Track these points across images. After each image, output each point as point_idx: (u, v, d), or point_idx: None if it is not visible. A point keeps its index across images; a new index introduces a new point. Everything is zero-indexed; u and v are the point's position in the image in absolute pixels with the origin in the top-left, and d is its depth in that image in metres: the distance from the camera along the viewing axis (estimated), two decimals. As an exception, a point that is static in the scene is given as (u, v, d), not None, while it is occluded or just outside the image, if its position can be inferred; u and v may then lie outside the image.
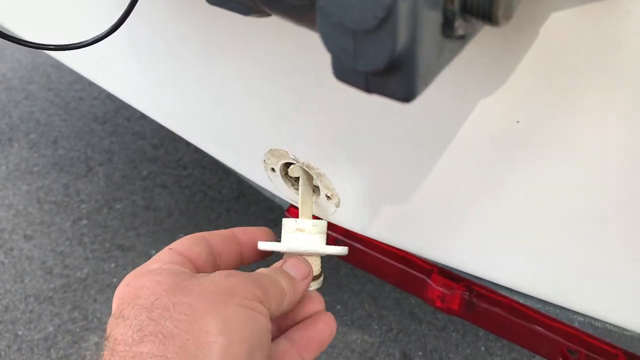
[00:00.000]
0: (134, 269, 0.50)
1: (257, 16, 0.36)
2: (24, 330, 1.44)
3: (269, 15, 0.35)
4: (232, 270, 0.49)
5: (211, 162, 1.94)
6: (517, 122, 0.43)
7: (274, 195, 1.25)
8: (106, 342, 0.45)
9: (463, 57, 0.41)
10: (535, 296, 0.54)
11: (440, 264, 0.99)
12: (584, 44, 0.37)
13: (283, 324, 0.57)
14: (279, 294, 0.50)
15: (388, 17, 0.25)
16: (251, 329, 0.44)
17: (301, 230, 0.60)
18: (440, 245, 0.56)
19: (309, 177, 0.63)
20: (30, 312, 1.48)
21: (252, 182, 1.27)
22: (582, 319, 0.91)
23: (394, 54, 0.26)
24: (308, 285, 0.58)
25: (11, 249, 1.63)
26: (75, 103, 2.17)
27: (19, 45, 2.40)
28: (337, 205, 0.62)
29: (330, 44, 0.27)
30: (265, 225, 0.63)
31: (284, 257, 0.60)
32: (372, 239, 1.04)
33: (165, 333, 0.41)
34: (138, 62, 0.66)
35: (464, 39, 0.30)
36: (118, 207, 1.77)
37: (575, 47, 0.37)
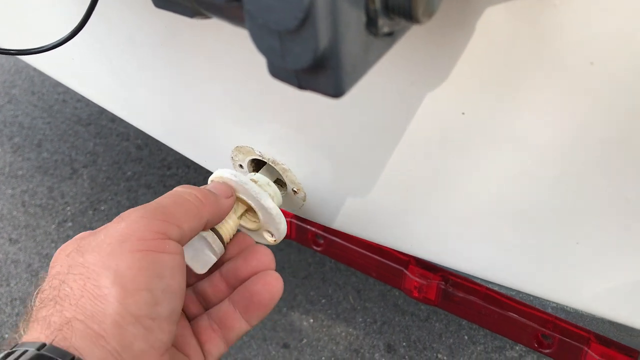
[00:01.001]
0: None
1: (201, 18, 0.37)
2: (10, 333, 1.45)
3: (210, 17, 0.36)
4: (129, 210, 0.46)
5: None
6: (463, 113, 0.45)
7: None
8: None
9: (408, 50, 0.43)
10: (494, 282, 0.55)
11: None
12: (517, 37, 0.38)
13: (231, 281, 0.54)
14: (191, 209, 0.47)
15: (307, 17, 0.26)
16: (148, 275, 0.42)
17: (254, 181, 0.60)
18: (400, 235, 0.58)
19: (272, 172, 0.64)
20: (17, 315, 1.49)
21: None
22: (554, 304, 0.93)
23: (317, 53, 0.27)
24: (232, 205, 0.54)
25: (-4, 253, 1.64)
26: (59, 106, 2.18)
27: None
28: (304, 200, 0.64)
29: (259, 44, 0.29)
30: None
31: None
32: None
33: (61, 295, 0.41)
34: (107, 64, 0.67)
35: (392, 35, 0.32)
36: (103, 208, 1.78)
37: (510, 41, 0.39)
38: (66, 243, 0.46)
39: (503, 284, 0.54)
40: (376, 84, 0.47)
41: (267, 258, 0.54)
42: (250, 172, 0.68)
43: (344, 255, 1.12)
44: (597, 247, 0.47)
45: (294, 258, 1.63)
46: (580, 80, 0.38)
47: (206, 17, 0.37)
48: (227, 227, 0.56)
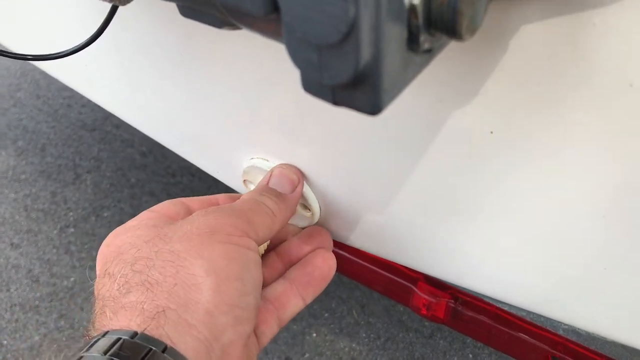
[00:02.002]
0: None
1: (230, 29, 0.36)
2: (9, 339, 1.43)
3: (240, 28, 0.35)
4: (210, 208, 0.47)
5: (200, 169, 1.93)
6: (491, 132, 0.43)
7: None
8: (95, 303, 0.44)
9: (437, 67, 0.42)
10: (514, 305, 0.54)
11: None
12: (553, 56, 0.37)
13: (285, 260, 0.56)
14: (266, 220, 0.49)
15: (351, 31, 0.25)
16: (240, 265, 0.43)
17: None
18: (419, 255, 0.57)
19: None
20: (16, 321, 1.47)
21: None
22: (566, 326, 0.92)
23: (358, 68, 0.26)
24: (299, 195, 0.56)
25: (-3, 258, 1.62)
26: (64, 110, 2.17)
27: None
28: (317, 215, 0.62)
29: (296, 58, 0.28)
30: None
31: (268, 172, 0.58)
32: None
33: (151, 281, 0.41)
34: (122, 72, 0.66)
35: (430, 52, 0.31)
36: (106, 214, 1.77)
37: (545, 60, 0.38)
38: (131, 227, 0.47)
39: (522, 307, 0.52)
40: (403, 100, 0.46)
41: (327, 237, 0.58)
42: None
43: (350, 270, 1.10)
44: (627, 274, 0.45)
45: (297, 270, 1.61)
46: (619, 102, 0.37)
47: (235, 28, 0.36)
48: None
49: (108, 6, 0.50)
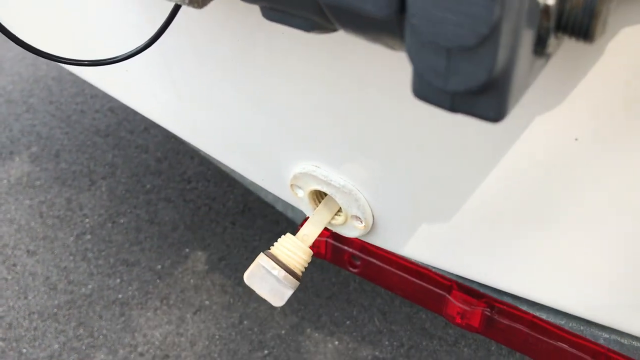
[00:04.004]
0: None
1: (320, 32, 0.34)
2: (28, 348, 1.41)
3: (334, 31, 0.33)
4: None
5: (216, 175, 1.92)
6: (576, 139, 0.42)
7: (286, 209, 1.23)
8: None
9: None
10: (586, 318, 0.52)
11: (461, 279, 0.98)
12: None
13: None
14: None
15: (492, 34, 0.23)
16: None
17: None
18: (483, 265, 0.55)
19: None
20: (35, 329, 1.45)
21: (262, 195, 1.25)
22: (607, 335, 0.90)
23: (492, 73, 0.25)
24: None
25: (14, 265, 1.60)
26: (77, 116, 2.15)
27: (19, 59, 2.37)
28: (370, 226, 0.61)
29: (418, 62, 0.26)
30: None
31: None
32: (389, 254, 1.03)
33: None
34: (167, 77, 0.65)
35: (548, 57, 0.29)
36: (122, 221, 1.75)
37: (647, 64, 0.36)
38: None
39: (595, 320, 0.51)
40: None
41: None
42: (310, 204, 0.66)
43: (381, 278, 1.08)
44: None
45: (317, 277, 1.59)
46: None
47: (325, 31, 0.35)
48: (299, 260, 0.61)
49: (139, 14, 0.49)
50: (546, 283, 0.52)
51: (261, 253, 0.63)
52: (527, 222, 0.48)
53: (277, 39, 0.49)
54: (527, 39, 0.25)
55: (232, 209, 1.81)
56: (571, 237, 0.47)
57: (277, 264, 0.60)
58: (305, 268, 0.62)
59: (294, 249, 0.62)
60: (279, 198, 1.21)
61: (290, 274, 0.60)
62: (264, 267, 0.61)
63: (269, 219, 1.77)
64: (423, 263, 0.91)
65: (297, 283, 0.60)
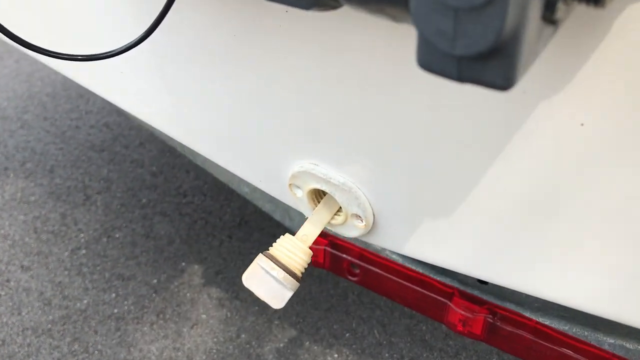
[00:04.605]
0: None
1: (320, 9, 0.34)
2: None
3: (335, 7, 0.33)
4: None
5: (212, 188, 1.91)
6: (582, 125, 0.41)
7: (284, 218, 1.22)
8: None
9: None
10: (598, 315, 0.51)
11: (462, 286, 0.97)
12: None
13: None
14: None
15: (501, -9, 0.22)
16: None
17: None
18: (488, 262, 0.54)
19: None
20: (29, 345, 1.42)
21: (260, 204, 1.24)
22: (612, 340, 0.89)
23: (500, 35, 0.24)
24: None
25: (8, 281, 1.58)
26: (72, 132, 2.14)
27: (13, 75, 2.37)
28: (370, 225, 0.60)
29: (425, 26, 0.25)
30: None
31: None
32: (389, 262, 1.02)
33: None
34: (161, 77, 0.64)
35: (556, 26, 0.28)
36: (117, 236, 1.73)
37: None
38: None
39: (607, 317, 0.49)
40: (476, 92, 0.43)
41: None
42: (309, 204, 0.65)
43: (381, 286, 1.07)
44: None
45: (315, 289, 1.57)
46: None
47: (325, 8, 0.34)
48: (298, 261, 0.60)
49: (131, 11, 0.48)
50: (553, 279, 0.51)
51: (260, 254, 0.62)
52: (533, 216, 0.47)
53: (273, 33, 0.48)
54: (537, 2, 0.25)
55: (228, 223, 1.80)
56: (580, 229, 0.46)
57: (277, 265, 0.59)
58: (305, 269, 0.61)
59: (293, 249, 0.61)
60: (276, 207, 1.20)
61: (290, 274, 0.59)
62: (262, 267, 0.60)
63: (266, 232, 1.76)
64: (423, 265, 0.89)
65: (297, 284, 0.59)
